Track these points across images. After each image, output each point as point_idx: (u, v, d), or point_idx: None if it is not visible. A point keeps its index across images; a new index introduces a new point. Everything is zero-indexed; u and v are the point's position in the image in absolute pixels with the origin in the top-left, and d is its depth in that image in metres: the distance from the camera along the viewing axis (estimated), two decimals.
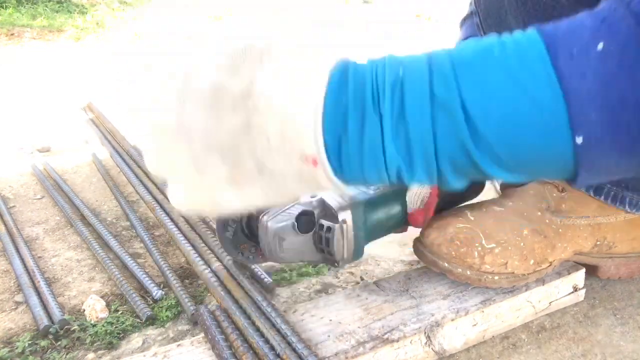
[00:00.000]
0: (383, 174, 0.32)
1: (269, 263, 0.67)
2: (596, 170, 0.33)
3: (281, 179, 0.33)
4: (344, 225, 0.53)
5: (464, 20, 0.85)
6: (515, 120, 0.31)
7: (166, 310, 0.65)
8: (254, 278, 0.70)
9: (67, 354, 0.59)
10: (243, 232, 0.60)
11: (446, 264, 0.60)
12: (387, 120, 0.31)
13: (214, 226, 0.83)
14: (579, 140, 0.30)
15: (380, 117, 0.31)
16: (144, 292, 0.70)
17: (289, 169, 0.32)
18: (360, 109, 0.31)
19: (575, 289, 0.66)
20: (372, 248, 0.67)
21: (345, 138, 0.31)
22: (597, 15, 0.31)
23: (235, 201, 0.34)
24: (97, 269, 0.76)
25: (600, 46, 0.29)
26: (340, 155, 0.32)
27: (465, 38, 0.81)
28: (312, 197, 0.56)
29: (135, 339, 0.61)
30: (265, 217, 0.56)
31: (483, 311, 0.58)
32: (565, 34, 0.31)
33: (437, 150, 0.31)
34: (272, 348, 0.51)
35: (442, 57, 0.32)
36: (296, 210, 0.55)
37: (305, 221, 0.53)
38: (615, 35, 0.29)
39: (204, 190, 0.34)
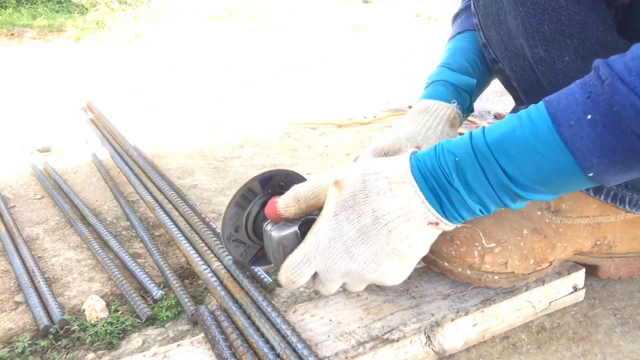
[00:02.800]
0: (472, 215, 0.50)
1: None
2: (614, 181, 0.45)
3: (420, 241, 0.52)
4: None
5: (456, 16, 0.84)
6: (541, 172, 0.45)
7: (166, 310, 0.65)
8: (254, 278, 0.70)
9: (67, 354, 0.59)
10: (247, 234, 0.60)
11: (446, 264, 0.60)
12: (462, 190, 0.48)
13: (213, 225, 0.83)
14: (590, 174, 0.44)
15: (457, 190, 0.48)
16: (144, 292, 0.70)
17: (423, 233, 0.51)
18: (444, 189, 0.48)
19: (575, 289, 0.66)
20: None
21: (444, 205, 0.49)
22: (585, 89, 0.43)
23: (401, 269, 0.52)
24: (97, 269, 0.76)
25: (589, 117, 0.42)
26: (445, 214, 0.49)
27: (460, 32, 0.81)
28: None
29: (135, 339, 0.61)
30: (269, 226, 0.55)
31: (483, 311, 0.58)
32: (564, 109, 0.43)
33: (497, 194, 0.47)
34: (272, 348, 0.51)
35: (480, 141, 0.47)
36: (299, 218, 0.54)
37: (309, 229, 0.53)
38: (597, 108, 0.41)
39: (396, 269, 0.53)
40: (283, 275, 0.53)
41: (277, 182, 0.60)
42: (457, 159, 0.47)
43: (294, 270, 0.52)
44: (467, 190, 0.48)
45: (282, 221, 0.55)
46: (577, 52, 0.58)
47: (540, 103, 0.46)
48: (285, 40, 3.54)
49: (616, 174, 0.44)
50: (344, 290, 0.56)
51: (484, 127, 0.48)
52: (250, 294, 0.61)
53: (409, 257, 0.51)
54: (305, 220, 0.53)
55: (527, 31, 0.59)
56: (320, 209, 0.53)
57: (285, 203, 0.53)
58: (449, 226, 0.50)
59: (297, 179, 0.60)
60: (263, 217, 0.58)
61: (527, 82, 0.65)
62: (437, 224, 0.50)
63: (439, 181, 0.48)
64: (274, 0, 4.70)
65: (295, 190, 0.53)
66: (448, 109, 0.71)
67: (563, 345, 0.60)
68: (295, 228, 0.53)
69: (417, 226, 0.50)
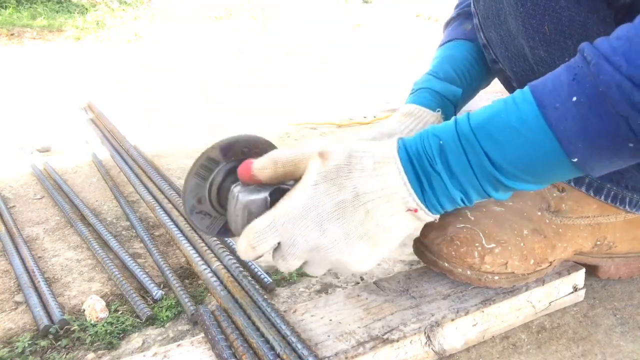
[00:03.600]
0: (453, 204, 0.49)
1: (271, 263, 0.66)
2: (598, 169, 0.44)
3: (396, 228, 0.50)
4: None
5: (448, 23, 0.84)
6: (524, 157, 0.44)
7: (166, 310, 0.65)
8: (254, 278, 0.70)
9: (67, 354, 0.59)
10: (211, 205, 0.56)
11: (446, 264, 0.60)
12: (444, 175, 0.47)
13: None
14: (575, 160, 0.43)
15: (439, 174, 0.47)
16: (144, 292, 0.70)
17: (400, 219, 0.49)
18: (426, 174, 0.48)
19: (575, 289, 0.66)
20: None
21: (425, 191, 0.48)
22: (570, 71, 0.42)
23: (370, 255, 0.51)
24: (97, 269, 0.76)
25: (574, 99, 0.41)
26: (425, 201, 0.48)
27: (449, 40, 0.80)
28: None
29: (135, 339, 0.61)
30: (237, 188, 0.52)
31: (483, 311, 0.58)
32: (550, 92, 0.43)
33: (479, 181, 0.46)
34: (272, 348, 0.51)
35: (464, 125, 0.46)
36: (271, 185, 0.51)
37: (279, 199, 0.49)
38: (582, 89, 0.41)
39: (367, 254, 0.51)
40: (244, 240, 0.50)
41: (239, 149, 0.55)
42: (441, 142, 0.47)
43: (256, 235, 0.49)
44: (449, 174, 0.47)
45: (253, 184, 0.52)
46: None
47: (526, 87, 0.45)
48: (285, 40, 3.54)
49: (600, 160, 0.43)
50: (305, 270, 0.53)
51: (469, 112, 0.48)
52: (250, 294, 0.61)
53: (381, 242, 0.50)
54: (277, 189, 0.51)
55: (527, 32, 0.59)
56: (296, 180, 0.51)
57: (262, 164, 0.51)
58: (428, 216, 0.49)
59: (266, 147, 0.56)
60: (228, 187, 0.55)
61: (527, 83, 0.65)
62: (415, 210, 0.48)
63: (422, 164, 0.48)
64: (274, 0, 4.70)
65: (275, 153, 0.51)
66: (432, 117, 0.71)
67: (563, 345, 0.60)
68: (266, 194, 0.50)
69: (395, 210, 0.49)
